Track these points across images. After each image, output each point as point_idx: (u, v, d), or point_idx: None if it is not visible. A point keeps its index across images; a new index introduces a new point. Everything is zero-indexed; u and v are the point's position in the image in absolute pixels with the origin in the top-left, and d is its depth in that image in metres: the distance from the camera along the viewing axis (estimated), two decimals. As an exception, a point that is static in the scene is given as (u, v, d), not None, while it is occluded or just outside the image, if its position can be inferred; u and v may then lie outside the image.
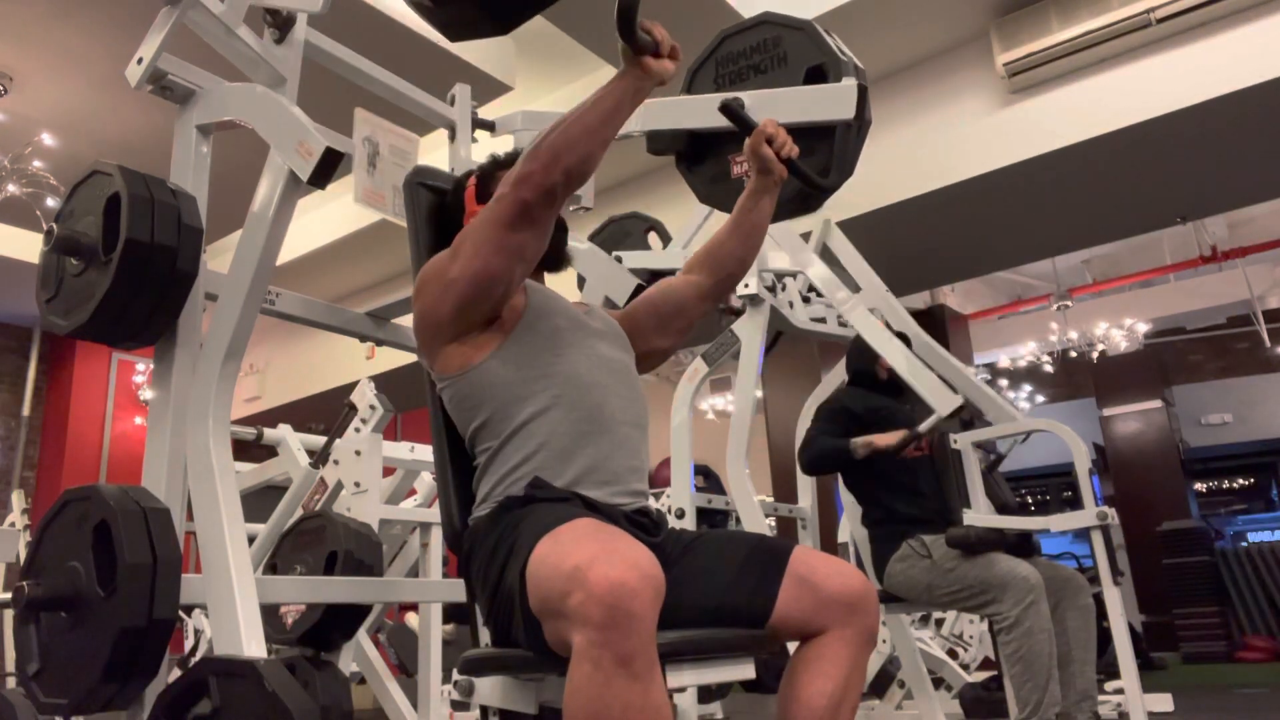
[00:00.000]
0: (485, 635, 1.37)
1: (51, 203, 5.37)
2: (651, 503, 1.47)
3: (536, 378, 1.39)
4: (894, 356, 2.72)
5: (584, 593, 1.02)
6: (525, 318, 1.44)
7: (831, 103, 1.47)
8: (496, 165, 1.56)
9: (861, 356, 3.01)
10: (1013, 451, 3.29)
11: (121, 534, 1.41)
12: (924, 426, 2.64)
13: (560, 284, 1.64)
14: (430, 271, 1.41)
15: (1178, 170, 4.58)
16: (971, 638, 4.74)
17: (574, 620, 1.04)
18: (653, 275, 2.87)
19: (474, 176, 1.57)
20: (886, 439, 2.72)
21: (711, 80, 1.64)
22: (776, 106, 1.52)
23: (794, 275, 3.20)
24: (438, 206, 1.63)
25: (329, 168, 1.48)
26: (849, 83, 1.45)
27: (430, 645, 3.02)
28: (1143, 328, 8.84)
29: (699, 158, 1.65)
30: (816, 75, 1.52)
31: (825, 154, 1.55)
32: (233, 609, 1.41)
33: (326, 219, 6.45)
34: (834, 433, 2.85)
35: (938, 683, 3.81)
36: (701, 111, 1.58)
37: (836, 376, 3.47)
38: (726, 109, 1.48)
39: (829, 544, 4.12)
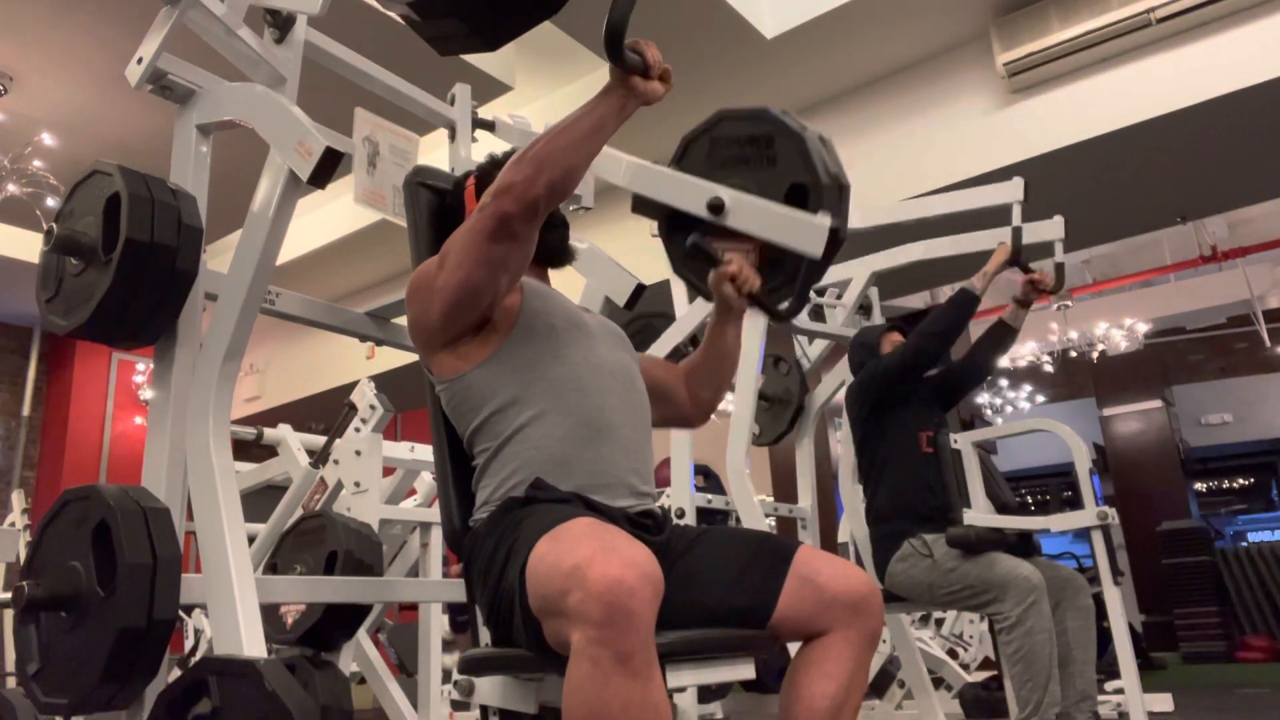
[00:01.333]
0: (485, 635, 1.37)
1: (51, 203, 5.37)
2: (657, 503, 1.47)
3: (534, 380, 1.39)
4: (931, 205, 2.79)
5: (583, 591, 1.02)
6: (521, 319, 1.43)
7: (802, 236, 1.47)
8: (495, 165, 1.56)
9: (867, 347, 3.01)
10: (1013, 451, 3.29)
11: (121, 534, 1.41)
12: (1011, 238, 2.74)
13: (563, 284, 1.64)
14: (419, 279, 1.41)
15: (1178, 170, 4.58)
16: (971, 638, 4.74)
17: (573, 619, 1.04)
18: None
19: (473, 176, 1.57)
20: (995, 260, 2.81)
21: (704, 157, 1.66)
22: (751, 216, 1.54)
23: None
24: (438, 206, 1.63)
25: (329, 167, 1.48)
26: (823, 221, 1.45)
27: (430, 645, 3.02)
28: (1143, 328, 8.84)
29: (679, 229, 1.66)
30: (798, 193, 1.52)
31: (791, 271, 1.56)
32: (233, 609, 1.41)
33: (326, 219, 6.45)
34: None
35: (938, 683, 3.81)
36: (686, 195, 1.61)
37: (837, 376, 3.46)
38: (695, 246, 1.53)
39: (829, 544, 4.12)
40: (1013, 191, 2.77)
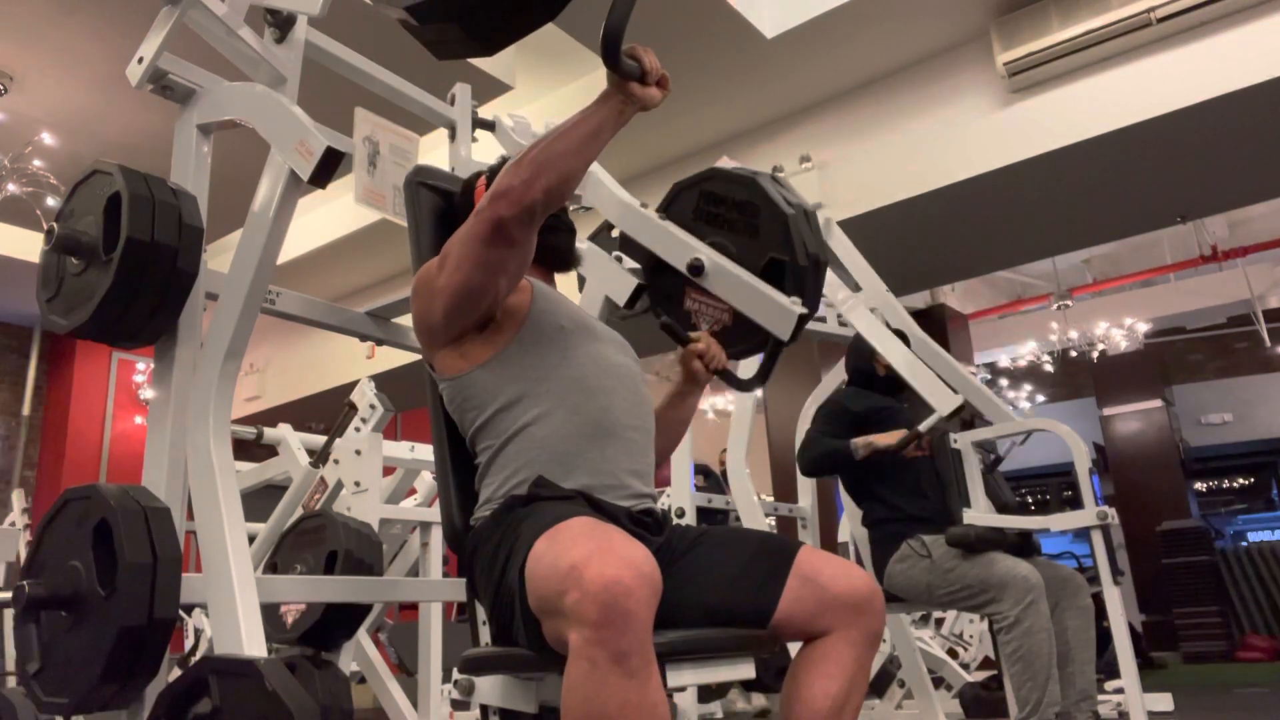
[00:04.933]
0: (485, 635, 1.37)
1: (51, 202, 5.37)
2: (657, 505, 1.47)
3: (540, 379, 1.39)
4: (894, 356, 2.73)
5: (580, 591, 1.03)
6: (530, 320, 1.44)
7: (773, 317, 1.52)
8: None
9: (861, 355, 3.01)
10: (1013, 451, 3.29)
11: (122, 533, 1.41)
12: (924, 426, 2.64)
13: (562, 284, 1.64)
14: (422, 278, 1.42)
15: (1178, 170, 4.58)
16: (971, 638, 4.74)
17: (570, 618, 1.04)
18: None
19: (483, 176, 1.58)
20: (886, 439, 2.72)
21: (691, 209, 1.71)
22: (728, 284, 1.59)
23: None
24: (438, 206, 1.63)
25: (329, 167, 1.48)
26: (794, 308, 1.49)
27: (430, 645, 3.02)
28: (1143, 327, 8.84)
29: (661, 273, 1.73)
30: (776, 267, 1.56)
31: (759, 340, 1.62)
32: (233, 608, 1.41)
33: (326, 219, 6.45)
34: (834, 434, 2.84)
35: (938, 682, 3.81)
36: (670, 248, 1.68)
37: (836, 376, 3.46)
38: (666, 326, 1.63)
39: (829, 544, 4.12)
40: (946, 405, 2.56)
